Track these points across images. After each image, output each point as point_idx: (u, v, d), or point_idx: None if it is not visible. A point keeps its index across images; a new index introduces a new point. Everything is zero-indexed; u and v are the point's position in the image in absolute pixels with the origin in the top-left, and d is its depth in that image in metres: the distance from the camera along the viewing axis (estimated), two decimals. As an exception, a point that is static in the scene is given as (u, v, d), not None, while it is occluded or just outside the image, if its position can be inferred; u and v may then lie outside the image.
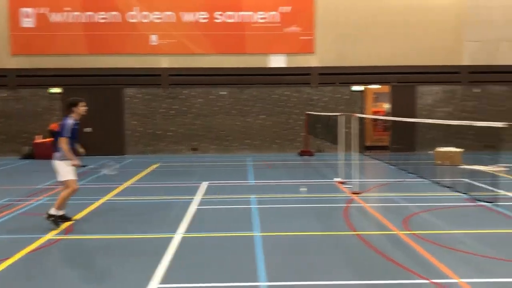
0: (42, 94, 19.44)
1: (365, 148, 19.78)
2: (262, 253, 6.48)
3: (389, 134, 20.57)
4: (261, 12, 19.72)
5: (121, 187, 11.94)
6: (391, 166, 15.41)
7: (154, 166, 16.17)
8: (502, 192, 10.72)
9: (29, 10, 19.23)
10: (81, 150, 8.67)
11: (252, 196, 10.49)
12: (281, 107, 20.04)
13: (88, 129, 19.35)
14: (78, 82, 19.40)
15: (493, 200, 9.51)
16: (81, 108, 8.45)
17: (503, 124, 5.53)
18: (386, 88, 20.60)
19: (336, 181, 12.25)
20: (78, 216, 8.77)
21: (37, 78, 19.33)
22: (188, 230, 7.78)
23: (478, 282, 5.37)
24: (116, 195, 10.95)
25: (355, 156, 11.55)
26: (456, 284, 5.30)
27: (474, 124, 6.85)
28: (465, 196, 9.89)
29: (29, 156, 18.54)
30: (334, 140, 13.56)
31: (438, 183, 10.85)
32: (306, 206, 9.52)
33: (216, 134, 19.94)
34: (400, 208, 9.27)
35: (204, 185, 12.03)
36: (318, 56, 19.87)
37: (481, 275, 5.60)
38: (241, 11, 19.68)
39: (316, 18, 19.73)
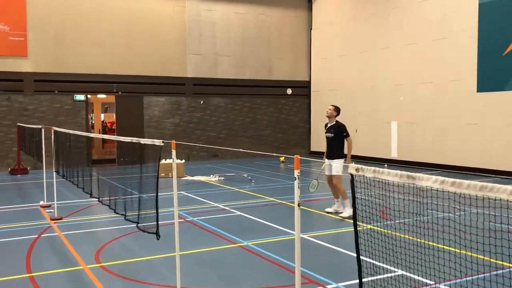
0: None
1: (92, 162, 18.30)
2: None
3: (116, 147, 19.52)
4: (-45, 4, 16.36)
5: None
6: (114, 182, 14.32)
7: None
8: (213, 203, 10.72)
9: None
10: None
11: None
12: (-17, 117, 16.97)
13: None
14: None
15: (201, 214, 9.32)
16: None
17: (159, 142, 4.96)
18: (114, 98, 19.53)
19: (41, 205, 10.52)
20: None
21: None
22: None
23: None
24: None
25: (52, 174, 10.02)
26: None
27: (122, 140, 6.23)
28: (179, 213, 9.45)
29: None
30: (39, 157, 11.76)
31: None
32: (-17, 244, 7.62)
33: None
34: (101, 233, 8.20)
35: None
36: (32, 60, 17.52)
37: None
38: None
39: (28, 17, 17.37)
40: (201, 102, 20.52)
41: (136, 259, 6.72)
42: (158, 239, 5.19)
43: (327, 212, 9.59)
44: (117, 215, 7.16)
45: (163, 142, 4.91)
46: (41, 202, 10.66)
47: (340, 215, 9.27)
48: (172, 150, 4.80)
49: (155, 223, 5.13)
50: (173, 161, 4.84)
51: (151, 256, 6.77)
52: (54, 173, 10.05)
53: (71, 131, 8.86)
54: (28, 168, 16.62)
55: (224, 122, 21.03)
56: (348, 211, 9.06)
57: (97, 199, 8.09)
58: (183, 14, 20.00)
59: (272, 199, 11.31)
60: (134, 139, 5.58)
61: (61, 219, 9.22)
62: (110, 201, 7.62)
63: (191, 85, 20.29)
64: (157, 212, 5.12)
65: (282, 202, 10.89)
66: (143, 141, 5.34)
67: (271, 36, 21.82)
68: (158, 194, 5.25)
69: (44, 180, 10.61)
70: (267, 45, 21.75)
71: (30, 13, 17.37)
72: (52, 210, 9.63)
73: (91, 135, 7.98)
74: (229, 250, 7.14)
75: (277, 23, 21.93)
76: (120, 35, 18.85)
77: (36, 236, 8.00)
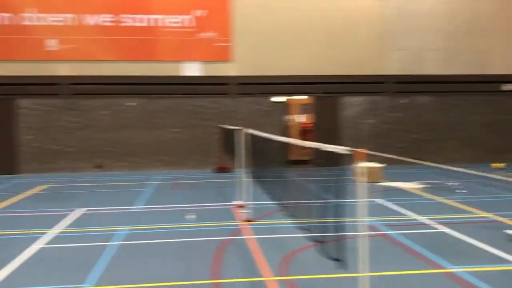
0: None
1: (289, 163, 18.43)
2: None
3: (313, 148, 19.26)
4: (173, 16, 18.06)
5: (-27, 218, 9.89)
6: (310, 184, 14.03)
7: (39, 188, 14.08)
8: (412, 215, 9.48)
9: None
10: None
11: (123, 228, 8.73)
12: (197, 120, 18.37)
13: (-26, 145, 17.03)
14: (-38, 91, 17.09)
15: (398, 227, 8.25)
16: None
17: (345, 150, 4.15)
18: (311, 100, 19.37)
19: (235, 205, 10.68)
20: None
21: None
22: (2, 285, 5.92)
23: None
24: (-44, 229, 8.89)
25: (246, 174, 9.99)
26: None
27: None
28: (372, 223, 8.58)
29: None
30: (236, 158, 12.00)
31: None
32: (178, 242, 7.84)
33: (123, 149, 17.99)
34: (290, 241, 7.76)
35: (75, 214, 10.15)
36: (236, 64, 18.38)
37: None
38: (151, 14, 17.94)
39: (234, 24, 18.27)
40: (402, 101, 19.00)
41: (321, 275, 6.03)
42: (340, 266, 4.36)
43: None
44: (312, 221, 6.58)
45: (350, 150, 4.11)
46: (235, 202, 10.81)
47: None
48: (359, 162, 3.97)
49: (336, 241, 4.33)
50: (362, 171, 4.00)
51: (333, 274, 6.00)
52: (248, 174, 10.04)
53: (261, 133, 8.64)
54: (230, 167, 17.41)
55: (429, 123, 19.13)
56: None
57: (283, 204, 7.66)
58: (382, 8, 18.78)
59: (486, 214, 9.53)
60: (318, 145, 4.88)
61: (253, 221, 9.11)
62: (293, 206, 7.08)
63: (392, 83, 18.94)
64: (340, 231, 4.32)
65: (500, 219, 9.05)
66: (327, 148, 4.61)
67: (485, 26, 19.09)
68: (350, 201, 4.46)
69: (240, 180, 10.70)
70: (479, 36, 19.09)
71: (236, 21, 18.24)
72: (245, 211, 9.61)
73: (278, 138, 7.57)
74: (431, 277, 5.97)
75: (491, 11, 19.09)
76: (318, 34, 18.58)
77: (228, 237, 7.95)
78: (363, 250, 4.23)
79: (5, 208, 11.15)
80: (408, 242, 7.47)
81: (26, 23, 17.30)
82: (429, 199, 11.45)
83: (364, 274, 4.25)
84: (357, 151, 4.06)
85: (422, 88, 19.02)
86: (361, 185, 4.17)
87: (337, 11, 18.61)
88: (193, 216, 9.63)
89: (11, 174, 17.05)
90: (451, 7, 19.02)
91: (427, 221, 8.96)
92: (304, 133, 25.70)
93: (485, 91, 19.22)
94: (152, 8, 17.93)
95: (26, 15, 17.30)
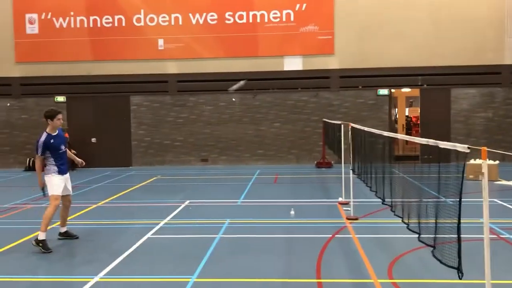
0: (46, 103, 18.60)
1: (394, 159, 17.71)
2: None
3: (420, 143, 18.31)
4: (274, 11, 18.10)
5: (92, 207, 10.68)
6: (416, 182, 13.34)
7: (151, 179, 14.88)
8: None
9: (34, 15, 18.53)
10: (78, 160, 7.94)
11: (226, 221, 8.90)
12: (297, 114, 18.29)
13: (93, 139, 18.43)
14: (82, 90, 18.54)
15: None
16: (57, 121, 7.65)
17: (463, 148, 3.77)
18: (419, 92, 18.42)
19: (339, 202, 10.43)
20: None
21: (42, 87, 18.57)
22: (112, 272, 6.27)
23: None
24: (77, 217, 9.64)
25: (350, 170, 9.67)
26: None
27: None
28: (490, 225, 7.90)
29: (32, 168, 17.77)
30: (339, 153, 11.75)
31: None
32: (282, 238, 7.81)
33: (226, 143, 18.45)
34: (397, 242, 7.38)
35: (183, 205, 10.56)
36: (338, 57, 18.00)
37: None
38: (253, 10, 18.14)
39: (335, 16, 17.89)
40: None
41: (431, 280, 5.64)
42: (460, 278, 4.00)
43: None
44: (417, 221, 6.20)
45: (469, 147, 3.75)
46: (340, 199, 10.56)
47: None
48: (483, 161, 3.60)
49: (456, 249, 3.97)
50: (484, 175, 3.63)
51: (450, 280, 5.57)
52: (351, 169, 9.75)
53: (365, 128, 8.32)
54: (332, 162, 17.13)
55: (552, 116, 17.35)
56: None
57: (389, 202, 7.28)
58: (500, -8, 17.29)
59: None
60: (431, 141, 4.53)
61: (357, 219, 8.83)
62: (399, 205, 6.69)
63: (509, 73, 17.39)
64: (459, 237, 3.97)
65: None
66: (442, 144, 4.26)
67: None
68: (464, 200, 4.08)
69: (343, 176, 10.39)
70: None
71: (337, 12, 17.84)
72: (349, 208, 9.34)
73: (384, 133, 7.22)
74: (562, 289, 5.33)
75: None
76: (426, 23, 17.57)
77: (331, 235, 7.77)
78: (485, 255, 3.84)
79: (120, 198, 11.91)
80: (532, 248, 6.77)
81: (137, 24, 18.33)
82: (556, 201, 10.32)
83: (482, 281, 3.86)
84: (479, 149, 3.68)
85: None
86: (484, 183, 3.78)
87: (447, -3, 17.46)
88: (293, 212, 9.52)
89: (125, 166, 18.22)
90: None
91: (553, 225, 8.07)
92: (411, 127, 24.60)
93: None
94: (254, 5, 18.12)
95: (137, 16, 18.32)
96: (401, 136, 6.76)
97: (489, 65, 17.37)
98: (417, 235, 5.31)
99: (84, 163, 8.35)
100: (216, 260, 6.62)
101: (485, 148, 3.61)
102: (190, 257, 6.75)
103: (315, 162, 17.52)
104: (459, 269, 3.92)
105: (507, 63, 17.35)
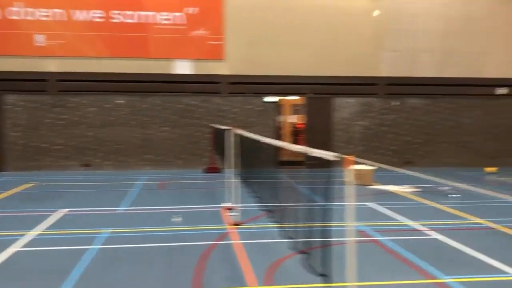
0: None
1: (279, 164, 18.15)
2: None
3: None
4: (164, 13, 17.74)
5: (-49, 218, 9.54)
6: (301, 186, 13.76)
7: (23, 187, 13.72)
8: (404, 220, 9.24)
9: None
10: None
11: (105, 231, 8.41)
12: (187, 118, 18.07)
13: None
14: None
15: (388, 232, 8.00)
16: None
17: (332, 157, 3.92)
18: (303, 100, 19.12)
19: (225, 207, 10.38)
20: None
21: None
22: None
23: None
24: None
25: (235, 175, 9.70)
26: None
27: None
28: (359, 228, 8.35)
29: None
30: (225, 158, 11.72)
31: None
32: (164, 247, 7.55)
33: (111, 148, 17.66)
34: (279, 246, 7.48)
35: (57, 215, 9.82)
36: (228, 63, 18.10)
37: None
38: (142, 10, 17.61)
39: (226, 22, 17.99)
40: (394, 103, 18.80)
41: (303, 285, 5.75)
42: (325, 280, 4.09)
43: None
44: (300, 225, 6.32)
45: (339, 156, 3.86)
46: (223, 204, 10.52)
47: None
48: (347, 169, 3.72)
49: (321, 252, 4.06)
50: (351, 176, 3.76)
51: (319, 284, 5.73)
52: (237, 174, 9.76)
53: (249, 134, 8.36)
54: (221, 168, 17.10)
55: (421, 125, 18.96)
56: None
57: (269, 207, 7.37)
58: (376, 9, 18.55)
59: (480, 221, 9.31)
60: (306, 149, 4.62)
61: (241, 224, 8.83)
62: (279, 210, 6.80)
63: (385, 85, 18.74)
64: (326, 237, 4.06)
65: (495, 226, 8.83)
66: (315, 152, 4.35)
67: (480, 28, 18.93)
68: (337, 204, 4.19)
69: (229, 181, 10.38)
70: (475, 38, 18.94)
71: (228, 19, 17.95)
72: (234, 214, 9.33)
73: (266, 139, 7.29)
74: (423, 287, 5.72)
75: (488, 13, 18.94)
76: (313, 34, 18.33)
77: (213, 242, 7.67)
78: (350, 257, 3.96)
79: (-14, 207, 10.80)
80: (399, 249, 7.23)
81: (14, 17, 16.92)
82: (422, 204, 11.23)
83: (351, 283, 3.98)
84: (345, 158, 3.80)
85: (415, 90, 18.83)
86: (350, 188, 3.91)
87: (332, 11, 18.39)
88: (179, 219, 9.34)
89: (-4, 171, 16.69)
90: (446, 9, 18.84)
91: (419, 227, 8.73)
92: (296, 134, 25.47)
93: (479, 94, 19.07)
94: (143, 5, 17.61)
95: (14, 9, 16.90)
96: (275, 142, 6.83)
97: (367, 76, 18.56)
98: (292, 241, 5.37)
99: None
100: (86, 275, 6.17)
101: (351, 158, 3.73)
102: (57, 272, 6.22)
103: (204, 167, 17.41)
104: (325, 275, 4.01)
105: (383, 75, 18.67)
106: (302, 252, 4.89)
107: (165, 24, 17.74)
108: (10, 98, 17.11)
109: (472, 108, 19.13)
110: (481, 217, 9.52)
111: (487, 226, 8.86)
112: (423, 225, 8.86)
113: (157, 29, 17.69)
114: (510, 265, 6.39)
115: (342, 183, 4.06)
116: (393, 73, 18.70)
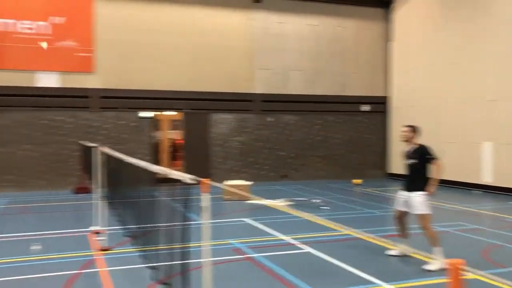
0: None
1: (157, 181, 17.58)
2: None
3: (183, 165, 18.67)
4: (27, 21, 16.37)
5: None
6: (177, 205, 13.37)
7: None
8: (278, 235, 9.35)
9: None
10: None
11: None
12: (53, 135, 16.75)
13: None
14: None
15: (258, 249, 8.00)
16: None
17: (189, 179, 3.78)
18: (181, 116, 18.81)
19: (91, 231, 9.64)
20: None
21: None
22: None
23: None
24: None
25: (103, 196, 9.10)
26: None
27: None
28: (235, 245, 8.26)
29: None
30: (93, 177, 10.97)
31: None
32: (19, 280, 6.72)
33: (-37, 168, 15.74)
34: (145, 273, 7.06)
35: None
36: (99, 76, 17.20)
37: None
38: (1, 18, 16.06)
39: (96, 33, 17.11)
40: (269, 119, 19.32)
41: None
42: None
43: (391, 255, 7.79)
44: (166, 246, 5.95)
45: (196, 179, 3.68)
46: (92, 228, 9.80)
47: (426, 267, 6.95)
48: (203, 194, 3.56)
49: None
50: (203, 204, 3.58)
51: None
52: (104, 196, 9.15)
53: (116, 153, 7.87)
54: (91, 188, 16.08)
55: (294, 140, 19.69)
56: (437, 264, 6.84)
57: (131, 229, 6.94)
58: (251, 27, 19.03)
59: (347, 232, 9.73)
60: (163, 170, 4.39)
61: (109, 249, 8.24)
62: (140, 232, 6.40)
63: (259, 102, 19.18)
64: (183, 259, 3.83)
65: (361, 236, 9.29)
66: (172, 174, 4.15)
67: (346, 49, 20.31)
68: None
69: (96, 203, 9.69)
70: (341, 58, 20.25)
71: (98, 30, 17.10)
72: (101, 238, 8.69)
73: (129, 159, 6.88)
74: (295, 304, 5.73)
75: (353, 36, 20.41)
76: (186, 50, 18.19)
77: (77, 271, 7.02)
78: (206, 280, 3.76)
79: None
80: (272, 266, 7.23)
81: None
82: (295, 217, 11.50)
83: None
84: (201, 181, 3.63)
85: (287, 107, 19.54)
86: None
87: (206, 28, 18.43)
88: (39, 247, 8.46)
89: None
90: (317, 30, 19.89)
91: (292, 241, 8.87)
92: (174, 150, 25.00)
93: (345, 111, 20.35)
94: (2, 12, 16.08)
95: None
96: (139, 163, 6.44)
97: (242, 93, 18.86)
98: (149, 264, 5.04)
99: None
100: None
101: (206, 181, 3.58)
102: None
103: (72, 187, 16.22)
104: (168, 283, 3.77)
105: (257, 91, 19.10)
106: (163, 283, 4.58)
107: (27, 34, 16.36)
108: None
109: (339, 123, 20.33)
110: (348, 227, 9.97)
111: (353, 237, 9.28)
112: (296, 238, 9.03)
113: (18, 38, 16.24)
114: (374, 275, 6.69)
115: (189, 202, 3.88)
116: (266, 90, 19.21)
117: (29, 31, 16.42)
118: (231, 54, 18.75)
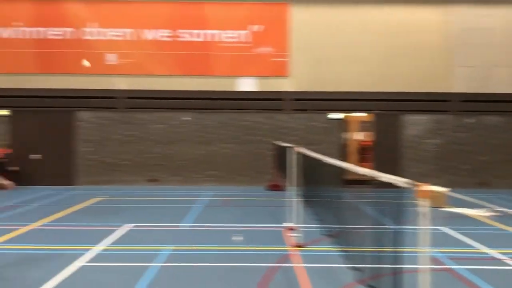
0: (-15, 116, 17.64)
1: (345, 183, 17.64)
2: None
3: (372, 167, 18.35)
4: (229, 31, 17.90)
5: (24, 229, 9.91)
6: (368, 207, 13.21)
7: (93, 200, 14.13)
8: (481, 248, 8.53)
9: (-24, 24, 17.59)
10: (4, 183, 7.17)
11: (167, 248, 8.38)
12: (250, 135, 18.01)
13: (36, 156, 17.47)
14: (27, 103, 17.62)
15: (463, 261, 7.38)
16: None
17: (403, 183, 3.57)
18: (371, 117, 18.53)
19: (285, 227, 10.11)
20: None
21: (-19, 99, 17.57)
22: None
23: None
24: (7, 241, 8.89)
25: (297, 194, 9.40)
26: None
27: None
28: (434, 254, 7.79)
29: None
30: (288, 176, 11.46)
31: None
32: (223, 266, 7.39)
33: (177, 163, 17.90)
34: (341, 272, 7.09)
35: (123, 229, 9.95)
36: (292, 80, 17.93)
37: None
38: (208, 29, 17.87)
39: (291, 39, 17.86)
40: (473, 121, 17.72)
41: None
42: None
43: None
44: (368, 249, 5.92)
45: (412, 183, 3.51)
46: (286, 224, 10.24)
47: None
48: (422, 200, 3.38)
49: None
50: (423, 216, 3.40)
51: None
52: (299, 194, 9.47)
53: (312, 153, 8.06)
54: (283, 185, 16.86)
55: (498, 144, 17.77)
56: None
57: (332, 229, 7.00)
58: (450, 23, 17.75)
59: None
60: (370, 172, 4.29)
61: (303, 246, 8.51)
62: (343, 232, 6.41)
63: (458, 102, 17.78)
64: (397, 263, 3.69)
65: None
66: (382, 178, 4.02)
67: None
68: (409, 228, 3.82)
69: (291, 200, 10.10)
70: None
71: (293, 35, 17.82)
72: (296, 235, 9.03)
73: (328, 159, 6.95)
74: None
75: None
76: (380, 49, 17.80)
77: (274, 264, 7.41)
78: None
79: (57, 220, 11.16)
80: (476, 280, 6.63)
81: (87, 37, 17.71)
82: (500, 230, 10.38)
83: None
84: (419, 188, 3.44)
85: (490, 107, 17.73)
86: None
87: (400, 26, 17.78)
88: (240, 238, 9.17)
89: (69, 185, 17.34)
90: (525, 21, 17.69)
91: (499, 256, 8.01)
92: (363, 152, 24.72)
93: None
94: (209, 23, 17.87)
95: (87, 29, 17.70)
96: (338, 162, 6.47)
97: (438, 92, 17.73)
98: (355, 265, 5.00)
99: (11, 184, 7.68)
100: (149, 292, 6.12)
101: (428, 186, 3.37)
102: (121, 289, 6.22)
103: (265, 184, 17.22)
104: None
105: (455, 91, 17.75)
106: (368, 285, 4.51)
107: (230, 42, 17.88)
108: (83, 115, 17.83)
109: (556, 125, 17.71)
110: None
111: None
112: (503, 253, 8.13)
113: (222, 47, 17.86)
114: None
115: (412, 205, 3.71)
116: (466, 89, 17.72)
117: (231, 40, 17.93)
118: (425, 52, 17.77)
